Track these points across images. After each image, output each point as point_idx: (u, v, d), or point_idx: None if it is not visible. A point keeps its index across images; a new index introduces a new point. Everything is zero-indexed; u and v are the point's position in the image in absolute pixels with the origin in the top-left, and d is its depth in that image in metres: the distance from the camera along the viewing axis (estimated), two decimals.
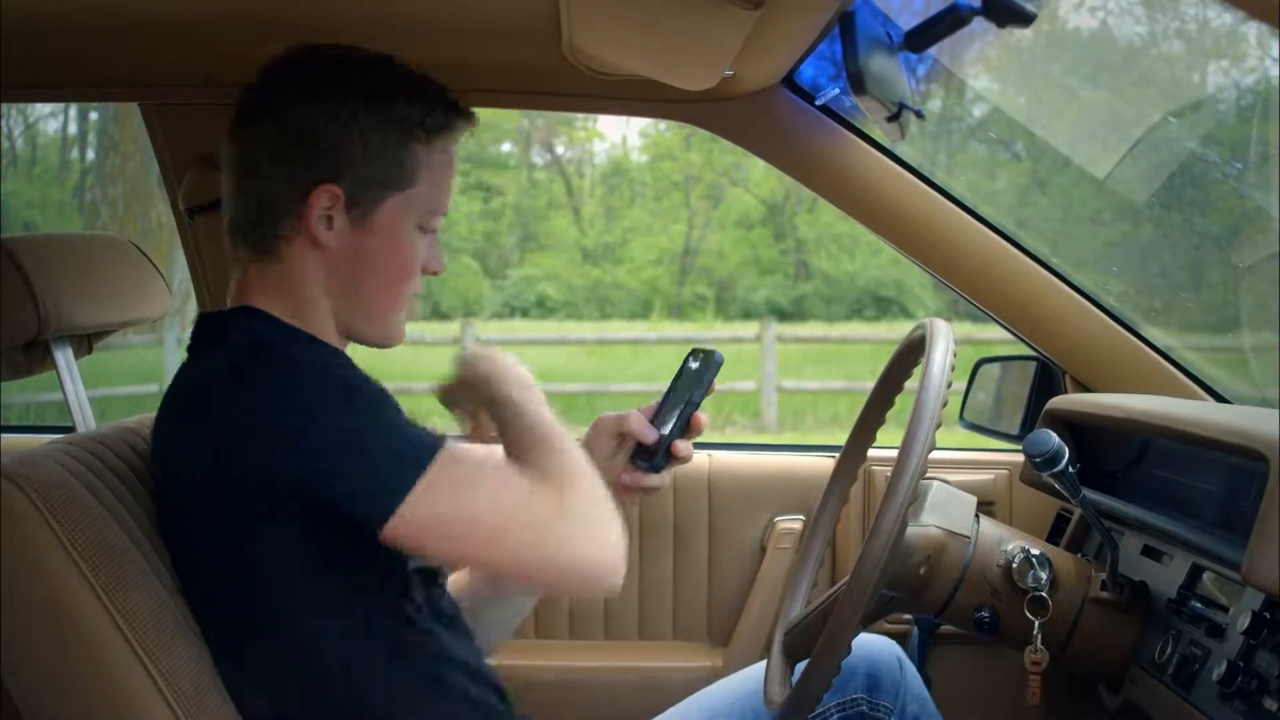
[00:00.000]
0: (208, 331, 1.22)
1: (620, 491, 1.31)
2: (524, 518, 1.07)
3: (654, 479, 1.31)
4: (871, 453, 1.50)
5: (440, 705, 1.18)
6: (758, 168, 12.91)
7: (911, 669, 1.45)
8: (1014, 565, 1.34)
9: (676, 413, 1.29)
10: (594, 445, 1.34)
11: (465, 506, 1.06)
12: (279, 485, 1.06)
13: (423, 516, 1.05)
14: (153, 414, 1.41)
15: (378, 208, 1.19)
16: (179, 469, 1.15)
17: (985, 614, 1.34)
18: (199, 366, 1.18)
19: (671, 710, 1.50)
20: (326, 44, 1.22)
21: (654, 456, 1.29)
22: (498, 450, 1.17)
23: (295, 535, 1.09)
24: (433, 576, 1.22)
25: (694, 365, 1.30)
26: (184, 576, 1.17)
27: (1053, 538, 1.80)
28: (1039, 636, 1.33)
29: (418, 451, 1.06)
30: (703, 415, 1.30)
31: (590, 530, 1.09)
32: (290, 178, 1.17)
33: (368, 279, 1.21)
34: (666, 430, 1.29)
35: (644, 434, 1.31)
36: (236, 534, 1.10)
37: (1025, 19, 0.86)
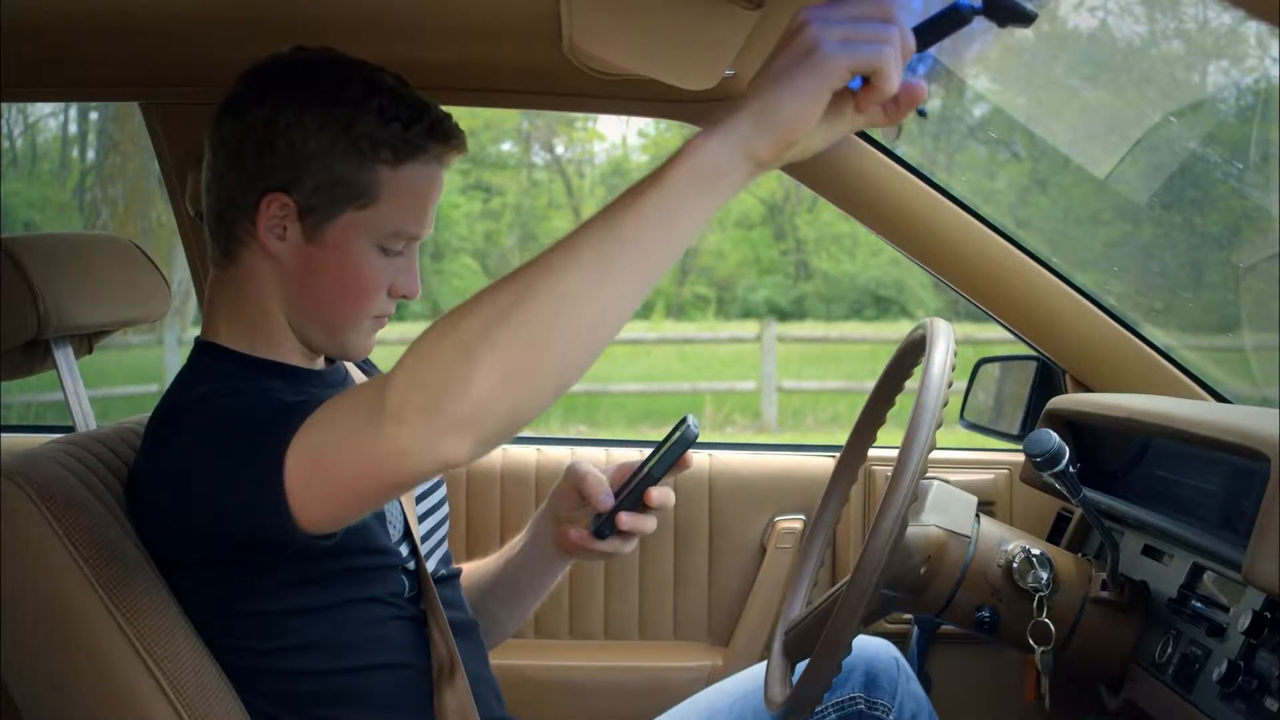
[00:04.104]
0: (178, 380, 1.20)
1: (567, 547, 1.28)
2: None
3: (599, 545, 1.21)
4: (872, 452, 1.50)
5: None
6: None
7: (908, 668, 1.45)
8: (1015, 565, 1.34)
9: (634, 485, 1.19)
10: (561, 494, 1.30)
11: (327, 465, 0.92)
12: (199, 534, 1.08)
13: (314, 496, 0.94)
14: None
15: (330, 223, 1.15)
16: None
17: (986, 614, 1.34)
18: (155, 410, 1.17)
19: (671, 710, 1.50)
20: (317, 49, 1.19)
21: (603, 523, 1.20)
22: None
23: (238, 571, 1.10)
24: (413, 574, 1.22)
25: (674, 435, 1.17)
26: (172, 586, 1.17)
27: (1053, 538, 1.80)
28: (1040, 636, 1.33)
29: (276, 452, 0.95)
30: (662, 491, 1.17)
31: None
32: (244, 183, 1.15)
33: (318, 294, 1.18)
34: (616, 502, 1.20)
35: (597, 500, 1.21)
36: (192, 573, 1.13)
37: (1026, 19, 0.86)
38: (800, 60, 0.81)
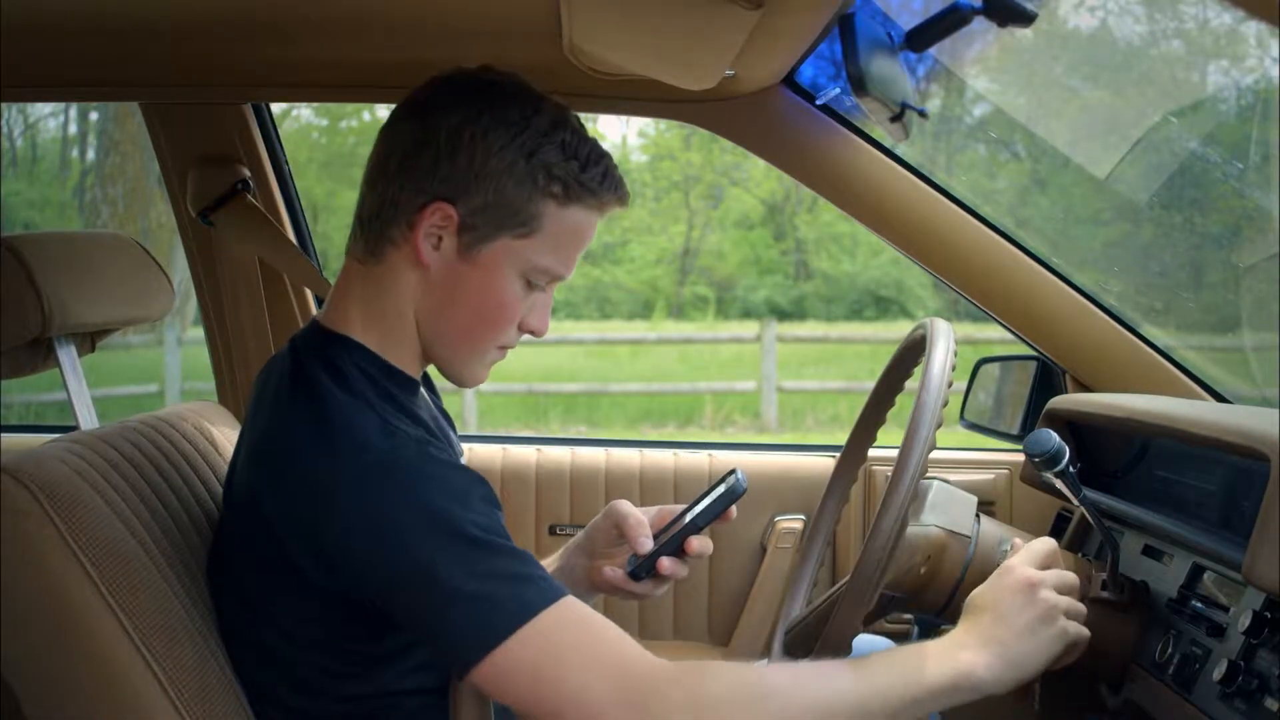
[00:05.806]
0: (307, 363, 1.16)
1: (599, 583, 1.28)
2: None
3: (634, 586, 1.23)
4: (872, 452, 1.50)
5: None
6: (758, 168, 12.92)
7: None
8: None
9: (676, 531, 1.21)
10: (599, 530, 1.31)
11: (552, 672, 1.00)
12: (352, 593, 1.06)
13: (502, 672, 1.01)
14: (158, 410, 1.42)
15: (488, 244, 1.15)
16: (256, 514, 1.11)
17: None
18: (294, 416, 1.12)
19: None
20: (506, 72, 1.20)
21: (640, 566, 1.22)
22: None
23: (345, 616, 1.10)
24: None
25: (720, 487, 1.20)
26: (212, 590, 1.17)
27: (1053, 537, 1.80)
28: None
29: (511, 607, 1.01)
30: (703, 540, 1.20)
31: None
32: (412, 186, 1.15)
33: (458, 312, 1.17)
34: (656, 545, 1.22)
35: (636, 542, 1.23)
36: (288, 597, 1.11)
37: (1026, 19, 0.87)
38: (1051, 631, 1.15)
